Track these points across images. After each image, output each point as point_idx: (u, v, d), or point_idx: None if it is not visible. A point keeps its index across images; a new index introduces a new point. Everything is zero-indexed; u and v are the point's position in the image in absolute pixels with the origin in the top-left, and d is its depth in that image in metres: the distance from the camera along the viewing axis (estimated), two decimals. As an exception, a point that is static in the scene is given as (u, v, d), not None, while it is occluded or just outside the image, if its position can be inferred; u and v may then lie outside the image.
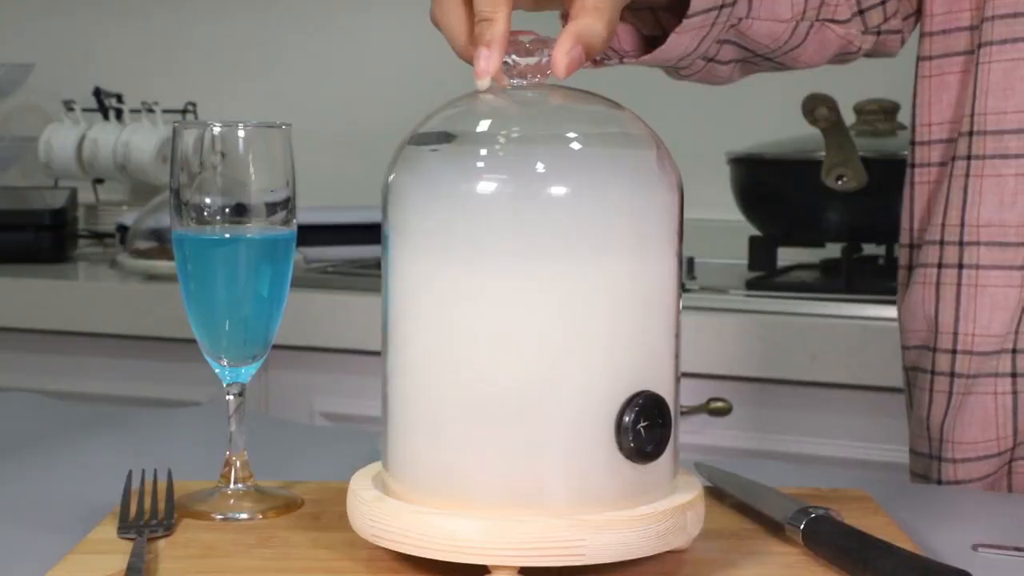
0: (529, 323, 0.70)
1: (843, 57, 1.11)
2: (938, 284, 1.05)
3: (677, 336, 0.75)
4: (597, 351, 0.71)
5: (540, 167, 0.71)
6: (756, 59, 1.07)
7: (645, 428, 0.71)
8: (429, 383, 0.72)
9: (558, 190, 0.71)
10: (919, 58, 1.08)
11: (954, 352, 1.04)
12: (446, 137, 0.74)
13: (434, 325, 0.72)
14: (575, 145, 0.73)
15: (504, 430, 0.71)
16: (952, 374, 1.04)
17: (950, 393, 1.05)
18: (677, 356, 0.75)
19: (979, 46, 1.02)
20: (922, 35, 1.08)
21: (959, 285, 1.03)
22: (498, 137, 0.73)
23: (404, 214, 0.73)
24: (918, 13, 1.11)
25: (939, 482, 1.06)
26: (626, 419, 0.70)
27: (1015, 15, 1.00)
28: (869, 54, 1.16)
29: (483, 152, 0.72)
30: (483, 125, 0.75)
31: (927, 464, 1.08)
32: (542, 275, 0.70)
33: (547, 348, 0.70)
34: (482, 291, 0.71)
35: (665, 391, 0.73)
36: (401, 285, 0.74)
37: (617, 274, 0.71)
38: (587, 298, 0.71)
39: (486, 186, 0.71)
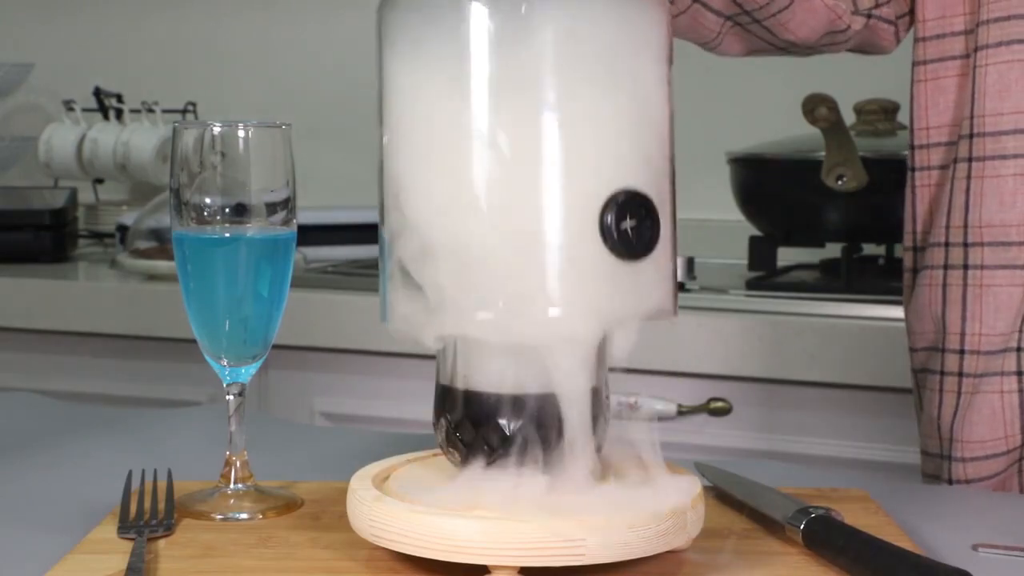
0: (514, 135, 0.71)
1: (834, 37, 1.12)
2: (944, 286, 1.06)
3: (670, 145, 0.76)
4: (580, 154, 0.72)
5: None
6: (744, 18, 1.08)
7: (630, 225, 0.72)
8: (421, 205, 0.73)
9: (543, 11, 0.71)
10: (914, 63, 1.09)
11: (962, 352, 1.05)
12: None
13: (422, 141, 0.73)
14: None
15: (501, 237, 0.71)
16: (960, 374, 1.05)
17: (959, 393, 1.05)
18: (671, 161, 0.76)
19: (975, 50, 1.03)
20: (916, 40, 1.09)
21: (965, 286, 1.04)
22: None
23: (396, 46, 0.74)
24: (911, 15, 1.12)
25: (950, 482, 1.06)
26: (608, 217, 0.71)
27: (1008, 18, 1.01)
28: (863, 49, 1.16)
29: None
30: None
31: (938, 464, 1.08)
32: (528, 85, 0.71)
33: (533, 154, 0.71)
34: (468, 112, 0.71)
35: (653, 191, 0.73)
36: (393, 114, 0.75)
37: (603, 83, 0.72)
38: (573, 104, 0.71)
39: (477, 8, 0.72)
